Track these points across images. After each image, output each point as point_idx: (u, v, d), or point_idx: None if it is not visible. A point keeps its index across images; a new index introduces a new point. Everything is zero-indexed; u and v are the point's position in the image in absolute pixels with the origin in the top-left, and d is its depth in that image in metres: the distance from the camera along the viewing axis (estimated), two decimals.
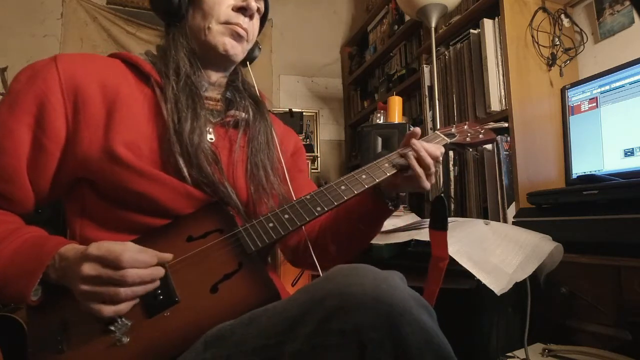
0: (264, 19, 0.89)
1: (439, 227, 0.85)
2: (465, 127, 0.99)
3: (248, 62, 0.92)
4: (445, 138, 0.93)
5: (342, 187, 0.78)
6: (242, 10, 0.80)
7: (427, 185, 0.81)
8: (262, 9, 0.86)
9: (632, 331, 1.00)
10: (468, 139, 0.96)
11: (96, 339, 0.60)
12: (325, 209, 0.74)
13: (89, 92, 0.69)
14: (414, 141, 0.82)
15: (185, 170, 0.70)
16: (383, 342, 0.47)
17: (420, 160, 0.81)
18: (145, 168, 0.68)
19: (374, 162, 0.82)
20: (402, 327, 0.47)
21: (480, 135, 0.97)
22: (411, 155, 0.81)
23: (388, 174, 0.80)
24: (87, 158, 0.68)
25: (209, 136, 0.77)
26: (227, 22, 0.79)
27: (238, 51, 0.81)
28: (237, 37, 0.80)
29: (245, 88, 0.89)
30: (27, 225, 0.70)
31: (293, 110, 3.02)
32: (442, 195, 0.90)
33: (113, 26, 2.88)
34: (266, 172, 0.81)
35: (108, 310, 0.59)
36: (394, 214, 0.92)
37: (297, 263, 0.97)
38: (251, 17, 0.82)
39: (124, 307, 0.60)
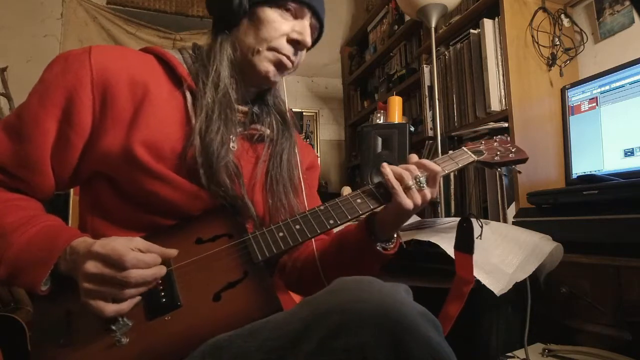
0: (315, 40, 0.87)
1: (465, 249, 0.80)
2: (495, 144, 0.92)
3: None
4: (472, 155, 0.86)
5: (358, 200, 0.73)
6: (296, 44, 0.78)
7: (405, 202, 0.72)
8: (315, 36, 0.84)
9: (632, 331, 1.00)
10: (497, 158, 0.88)
11: (96, 336, 0.60)
12: (339, 222, 0.72)
13: (118, 89, 0.69)
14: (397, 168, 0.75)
15: (204, 178, 0.70)
16: None
17: (395, 172, 0.74)
18: (162, 170, 0.68)
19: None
20: (408, 344, 0.46)
21: (511, 155, 0.89)
22: (386, 169, 0.75)
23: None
24: (107, 154, 0.68)
25: (231, 144, 0.76)
26: (276, 50, 0.77)
27: (278, 79, 0.81)
28: (283, 67, 0.79)
29: (274, 103, 0.87)
30: (45, 213, 0.70)
31: (293, 110, 3.02)
32: (470, 216, 0.82)
33: (113, 26, 2.88)
34: (285, 189, 0.80)
35: (110, 309, 0.59)
36: None
37: (283, 282, 0.95)
38: (301, 49, 0.81)
39: (125, 306, 0.60)
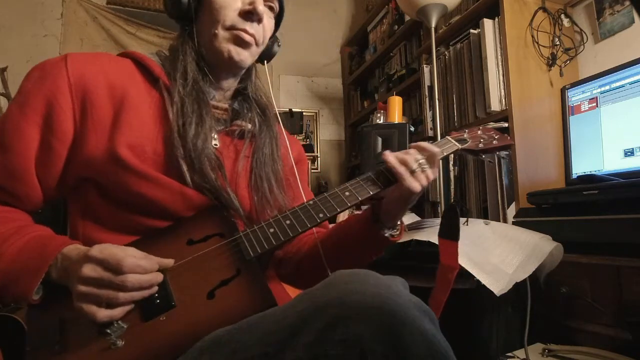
0: (280, 17, 0.86)
1: (450, 236, 0.82)
2: (479, 131, 0.93)
3: (266, 61, 0.89)
4: (457, 144, 0.88)
5: (347, 193, 0.75)
6: (249, 15, 0.76)
7: (413, 184, 0.74)
8: (277, 8, 0.83)
9: (632, 331, 1.00)
10: (481, 145, 0.90)
11: (91, 341, 0.60)
12: (328, 215, 0.73)
13: (97, 93, 0.69)
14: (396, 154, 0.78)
15: (187, 174, 0.70)
16: (385, 352, 0.46)
17: (399, 157, 0.77)
18: (147, 170, 0.68)
19: (380, 169, 0.79)
20: (404, 336, 0.46)
21: (495, 141, 0.91)
22: (389, 157, 0.77)
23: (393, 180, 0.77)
24: (92, 159, 0.68)
25: (213, 142, 0.76)
26: (232, 28, 0.76)
27: (244, 57, 0.79)
28: (243, 43, 0.77)
29: (255, 96, 0.87)
30: (34, 224, 0.70)
31: (293, 110, 3.02)
32: (455, 204, 0.84)
33: (113, 26, 2.88)
34: (270, 185, 0.81)
35: (103, 314, 0.58)
36: None
37: (281, 278, 0.95)
38: (259, 21, 0.79)
39: (118, 312, 0.59)
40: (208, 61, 0.79)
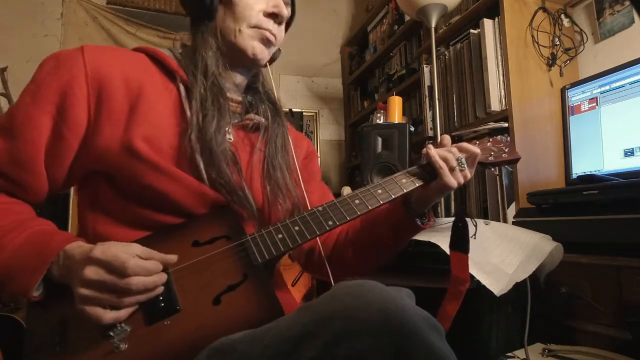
0: (289, 23, 0.89)
1: (461, 249, 0.82)
2: (489, 144, 0.94)
3: (268, 63, 0.91)
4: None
5: (356, 202, 0.75)
6: (273, 16, 0.80)
7: (451, 180, 0.78)
8: (289, 14, 0.86)
9: (632, 331, 1.00)
10: (491, 158, 0.90)
11: (93, 343, 0.59)
12: (337, 223, 0.72)
13: (113, 85, 0.69)
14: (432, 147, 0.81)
15: (203, 170, 0.70)
16: None
17: (440, 154, 0.79)
18: (162, 164, 0.68)
19: (392, 177, 0.80)
20: (410, 350, 0.46)
21: (504, 155, 0.91)
22: (432, 151, 0.80)
23: (405, 190, 0.78)
24: (105, 151, 0.68)
25: (227, 136, 0.77)
26: (257, 27, 0.79)
27: (265, 55, 0.82)
28: (266, 42, 0.81)
29: (265, 91, 0.90)
30: (37, 217, 0.69)
31: (293, 110, 3.02)
32: (464, 214, 0.85)
33: (113, 26, 2.88)
34: (282, 173, 0.81)
35: (108, 316, 0.58)
36: None
37: (308, 268, 0.96)
38: (280, 23, 0.82)
39: (123, 314, 0.59)
40: (227, 57, 0.80)
